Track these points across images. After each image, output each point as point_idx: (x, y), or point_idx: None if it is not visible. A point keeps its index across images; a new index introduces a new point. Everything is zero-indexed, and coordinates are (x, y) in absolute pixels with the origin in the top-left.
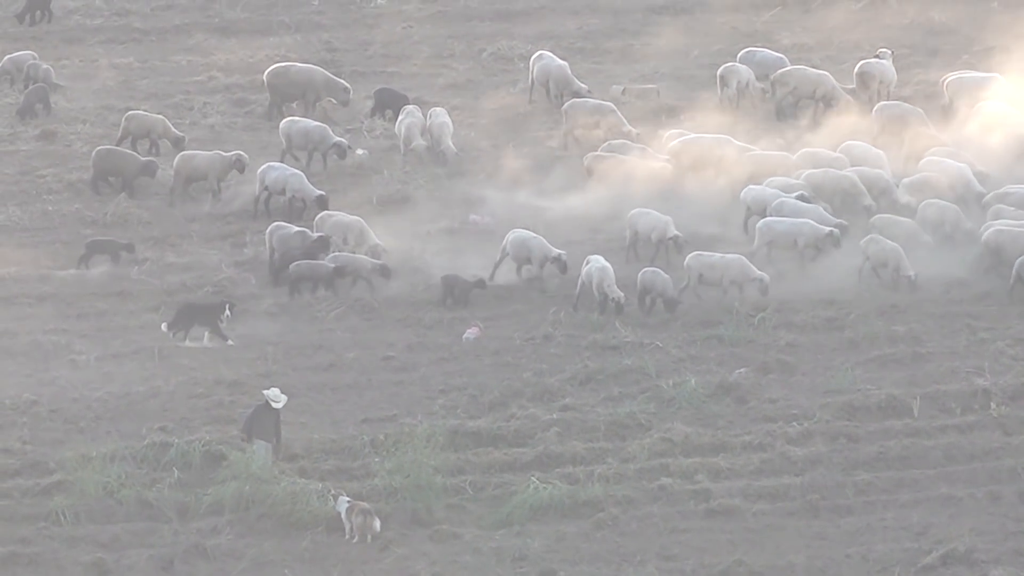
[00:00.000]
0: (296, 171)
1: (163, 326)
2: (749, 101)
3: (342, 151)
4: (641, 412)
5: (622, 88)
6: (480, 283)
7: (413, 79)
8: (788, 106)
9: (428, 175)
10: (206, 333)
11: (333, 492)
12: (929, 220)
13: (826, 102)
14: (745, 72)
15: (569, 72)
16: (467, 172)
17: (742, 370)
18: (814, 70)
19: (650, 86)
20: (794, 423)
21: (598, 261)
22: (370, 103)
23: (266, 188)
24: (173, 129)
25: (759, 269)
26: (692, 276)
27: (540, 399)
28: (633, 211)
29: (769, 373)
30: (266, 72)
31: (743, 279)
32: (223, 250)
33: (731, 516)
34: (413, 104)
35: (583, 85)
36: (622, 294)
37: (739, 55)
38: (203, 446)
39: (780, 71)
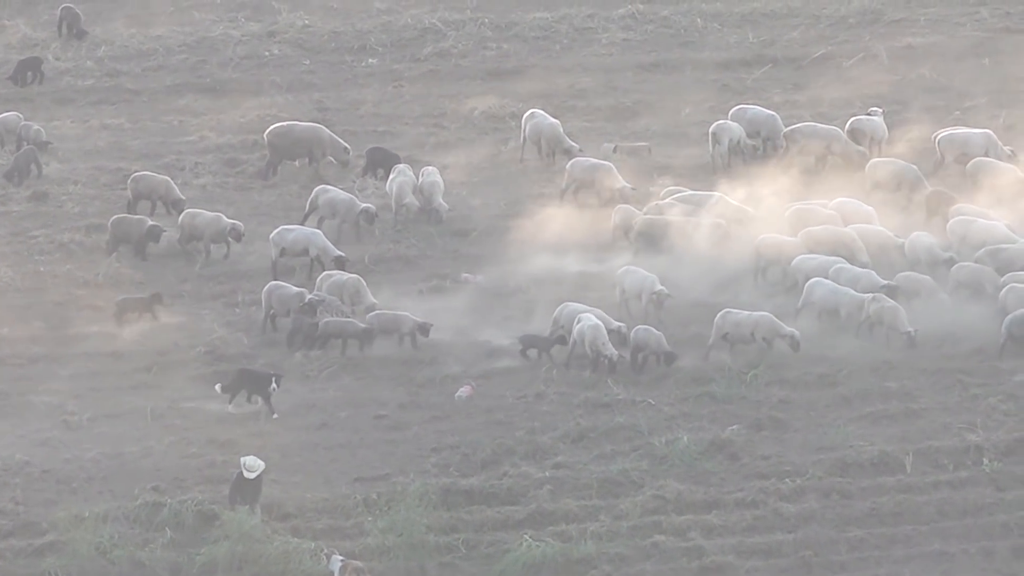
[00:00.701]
0: (315, 230)
1: (217, 387)
2: (741, 158)
3: (370, 217)
4: (634, 469)
5: (613, 146)
6: (560, 339)
7: (404, 138)
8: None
9: (420, 234)
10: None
11: (326, 551)
12: (963, 282)
13: (843, 157)
14: (737, 129)
15: (561, 130)
16: (460, 231)
17: (734, 427)
18: (824, 126)
19: (641, 144)
20: (787, 480)
21: (590, 319)
22: (362, 162)
23: (283, 250)
24: (176, 191)
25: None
26: (717, 334)
27: (532, 457)
28: (620, 269)
29: (762, 430)
30: (268, 131)
31: (773, 335)
32: (215, 310)
33: (724, 573)
34: (404, 163)
35: (574, 144)
36: (615, 352)
37: (730, 112)
38: (196, 506)
39: (791, 128)
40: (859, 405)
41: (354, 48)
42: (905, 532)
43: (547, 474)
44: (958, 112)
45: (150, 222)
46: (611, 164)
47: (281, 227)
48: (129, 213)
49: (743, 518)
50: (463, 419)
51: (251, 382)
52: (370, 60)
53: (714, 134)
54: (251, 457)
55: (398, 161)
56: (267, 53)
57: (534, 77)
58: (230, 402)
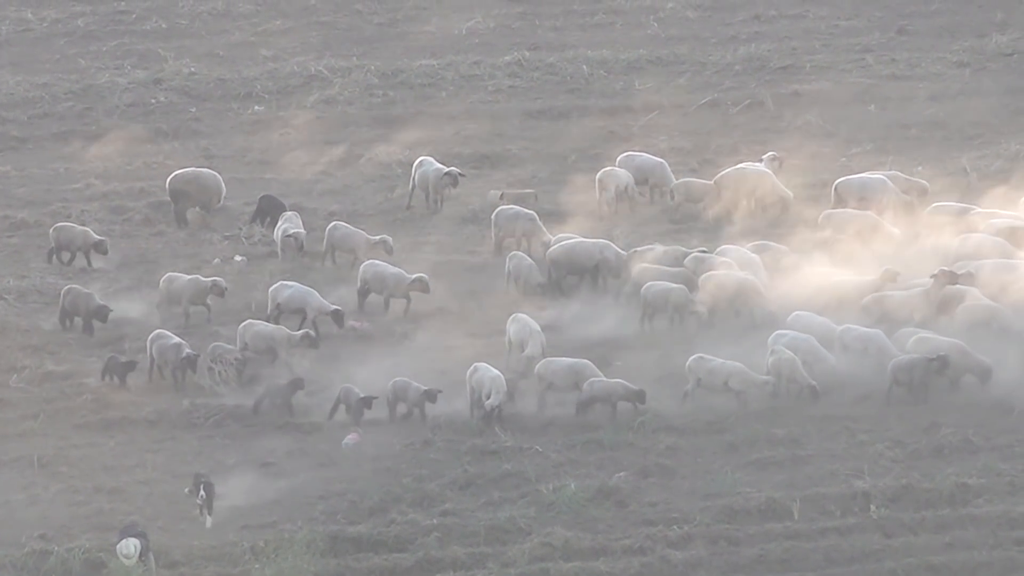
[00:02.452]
0: (309, 288)
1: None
2: (628, 205)
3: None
4: (521, 516)
5: (500, 193)
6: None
7: (291, 185)
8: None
9: (307, 281)
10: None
11: None
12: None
13: (765, 201)
14: (624, 176)
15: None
16: (348, 277)
17: (622, 474)
18: (752, 170)
19: (528, 191)
20: (674, 526)
21: (488, 371)
22: (248, 209)
23: (278, 306)
24: (93, 235)
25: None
26: (692, 379)
27: (420, 504)
28: (512, 316)
29: (649, 476)
30: (172, 178)
31: (747, 385)
32: (101, 358)
33: None
34: (292, 211)
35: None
36: (501, 401)
37: (618, 159)
38: (83, 554)
39: (720, 174)
40: (746, 452)
41: (240, 95)
42: None
43: (435, 521)
44: (844, 159)
45: (98, 302)
46: (534, 213)
47: (280, 282)
48: (49, 262)
49: (631, 565)
50: (350, 466)
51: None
52: (256, 107)
53: (601, 180)
54: (128, 543)
55: (284, 209)
56: (153, 100)
57: (420, 124)
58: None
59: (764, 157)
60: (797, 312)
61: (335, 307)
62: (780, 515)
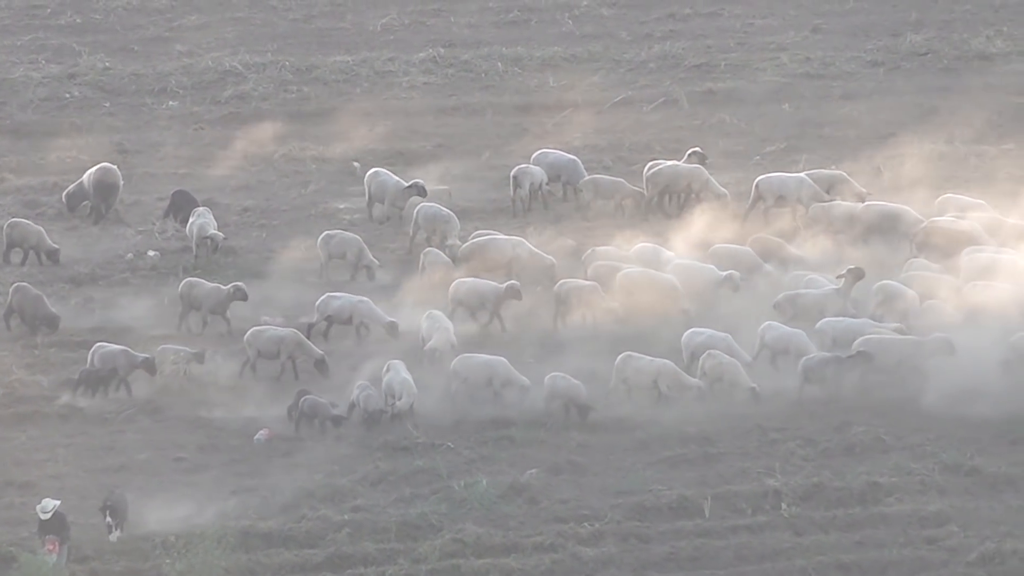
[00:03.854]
0: (363, 298)
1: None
2: (541, 202)
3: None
4: (432, 513)
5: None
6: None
7: (204, 181)
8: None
9: (218, 276)
10: None
11: None
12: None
13: (699, 197)
14: (538, 173)
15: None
16: (259, 273)
17: (533, 471)
18: (687, 165)
19: (442, 187)
20: (585, 524)
21: (399, 372)
22: (162, 205)
23: (328, 317)
24: (48, 240)
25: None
26: (618, 378)
27: (331, 500)
28: (428, 312)
29: (560, 473)
30: (98, 170)
31: (676, 386)
32: (14, 352)
33: None
34: (204, 207)
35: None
36: (411, 401)
37: (532, 156)
38: None
39: (652, 170)
40: (658, 449)
41: (155, 91)
42: None
43: (346, 517)
44: (758, 157)
45: (52, 310)
46: (451, 213)
47: (328, 294)
48: (5, 261)
49: (541, 562)
50: (262, 462)
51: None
52: (171, 103)
53: (515, 177)
54: (46, 499)
55: (197, 204)
56: (67, 95)
57: (335, 120)
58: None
59: (688, 153)
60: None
61: (391, 319)
62: (691, 513)
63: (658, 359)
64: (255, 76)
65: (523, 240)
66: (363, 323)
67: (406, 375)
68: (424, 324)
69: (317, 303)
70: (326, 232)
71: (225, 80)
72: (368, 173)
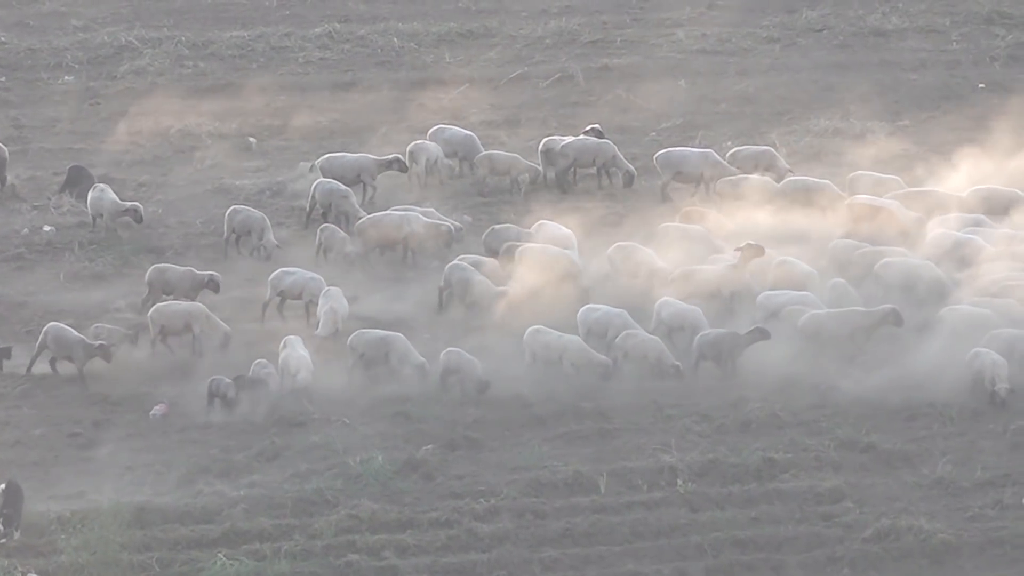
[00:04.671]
0: (316, 275)
1: None
2: (437, 178)
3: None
4: (328, 489)
5: (310, 165)
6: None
7: (101, 156)
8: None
9: (115, 252)
10: None
11: (21, 570)
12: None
13: (606, 172)
14: (434, 149)
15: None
16: (156, 248)
17: (429, 447)
18: (595, 139)
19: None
20: (481, 500)
21: (296, 348)
22: (58, 180)
23: (280, 293)
24: None
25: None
26: (528, 353)
27: (227, 475)
28: (326, 289)
29: (456, 449)
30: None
31: (583, 362)
32: None
33: None
34: (102, 182)
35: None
36: (309, 377)
37: (429, 132)
38: None
39: (562, 144)
40: (554, 425)
41: (50, 65)
42: (599, 552)
43: (241, 493)
44: (654, 133)
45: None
46: (349, 190)
47: (281, 269)
48: None
49: (437, 538)
50: (158, 437)
51: None
52: (66, 78)
53: (412, 153)
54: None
55: (93, 179)
56: None
57: (231, 95)
58: None
59: (586, 129)
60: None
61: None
62: (587, 489)
63: (566, 335)
64: (151, 51)
65: (418, 215)
66: (312, 300)
67: (303, 351)
68: (324, 296)
69: (271, 278)
70: (233, 207)
71: (121, 55)
72: (314, 184)
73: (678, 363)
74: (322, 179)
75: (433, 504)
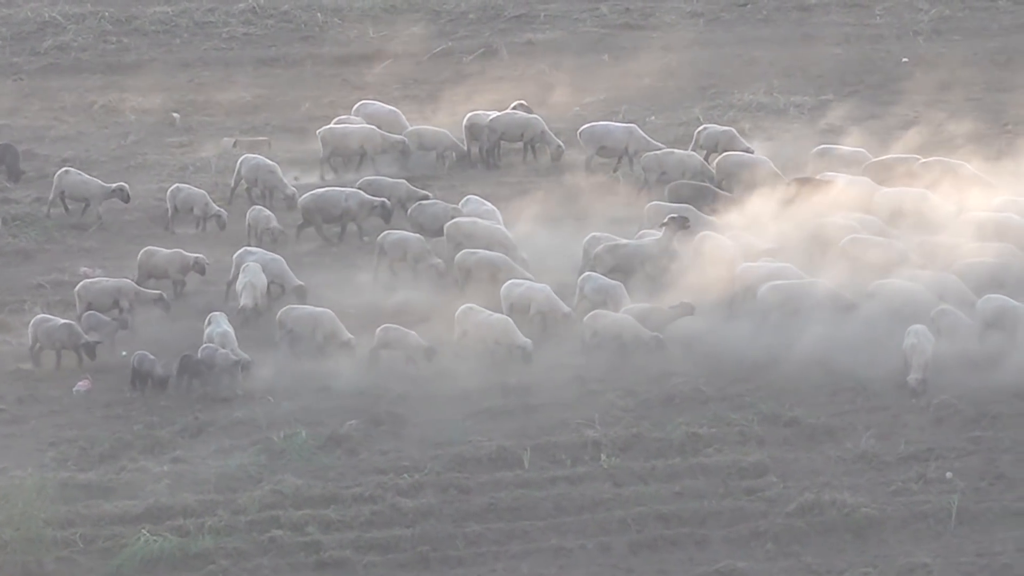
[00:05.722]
0: (277, 256)
1: None
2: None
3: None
4: (252, 464)
5: (233, 141)
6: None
7: (24, 131)
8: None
9: (38, 227)
10: None
11: None
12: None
13: (534, 147)
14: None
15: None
16: (79, 225)
17: (353, 422)
18: (523, 114)
19: (261, 138)
20: (405, 475)
21: (220, 324)
22: None
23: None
24: None
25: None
26: (459, 330)
27: (151, 451)
28: (245, 265)
29: (380, 425)
30: None
31: (509, 341)
32: None
33: (342, 568)
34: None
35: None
36: (245, 356)
37: (353, 108)
38: None
39: (490, 119)
40: (477, 400)
41: None
42: (523, 527)
43: (165, 468)
44: (578, 108)
45: None
46: (275, 164)
47: (244, 248)
48: None
49: (361, 513)
50: (81, 413)
51: None
52: None
53: None
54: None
55: (17, 155)
56: None
57: (154, 71)
58: None
59: (512, 105)
60: None
61: (300, 283)
62: (511, 464)
63: (496, 314)
64: (74, 27)
65: (358, 191)
66: (274, 281)
67: (227, 327)
68: (240, 277)
69: (235, 257)
70: (175, 185)
71: (44, 31)
72: (240, 159)
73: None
74: (248, 154)
75: (357, 479)
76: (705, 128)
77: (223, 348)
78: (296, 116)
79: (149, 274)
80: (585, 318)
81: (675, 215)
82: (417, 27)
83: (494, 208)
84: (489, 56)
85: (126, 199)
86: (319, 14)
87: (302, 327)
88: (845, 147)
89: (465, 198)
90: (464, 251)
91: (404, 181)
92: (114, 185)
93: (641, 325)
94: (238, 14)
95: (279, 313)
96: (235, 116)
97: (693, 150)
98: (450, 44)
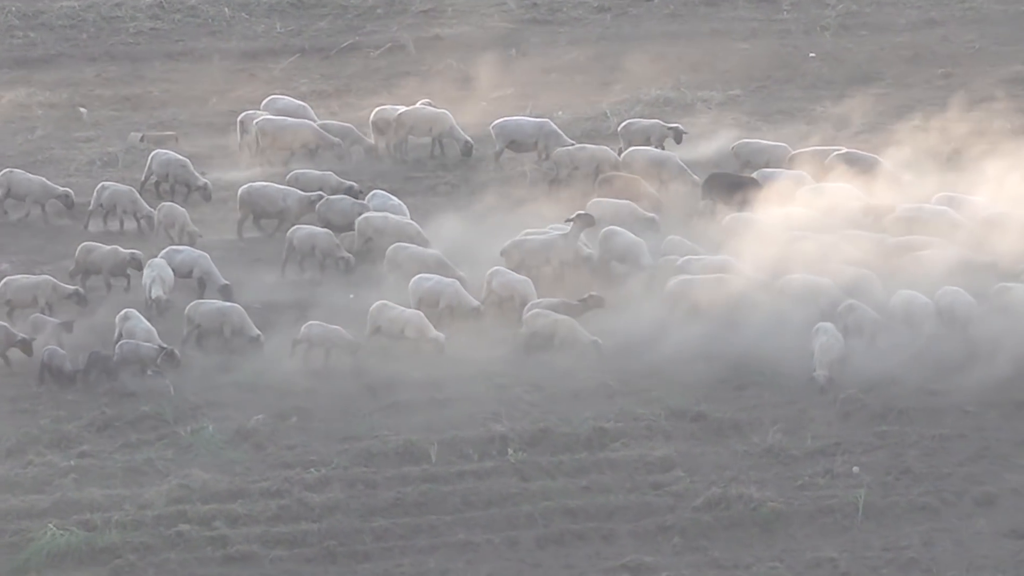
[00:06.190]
0: (203, 253)
1: None
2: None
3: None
4: (159, 458)
5: (140, 135)
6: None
7: None
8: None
9: None
10: None
11: None
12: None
13: (442, 142)
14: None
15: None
16: None
17: (260, 416)
18: (433, 109)
19: (168, 133)
20: (312, 469)
21: (140, 321)
22: None
23: (172, 270)
24: None
25: None
26: (371, 326)
27: (57, 446)
28: (151, 261)
29: (287, 419)
30: None
31: (421, 336)
32: None
33: (248, 562)
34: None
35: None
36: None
37: (262, 103)
38: None
39: (399, 113)
40: (385, 395)
41: None
42: (430, 522)
43: (72, 463)
44: (484, 103)
45: None
46: (187, 159)
47: (171, 247)
48: None
49: (268, 507)
50: None
51: None
52: None
53: (242, 123)
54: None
55: None
56: None
57: (61, 66)
58: None
59: (419, 104)
60: None
61: (225, 282)
62: (418, 458)
63: (409, 310)
64: None
65: (295, 190)
66: (203, 277)
67: (147, 323)
68: (146, 272)
69: (161, 255)
70: (101, 183)
71: None
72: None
73: (596, 339)
74: (159, 150)
75: (264, 474)
76: (633, 122)
77: (146, 343)
78: (203, 111)
79: (86, 270)
80: (524, 317)
81: (582, 212)
82: (324, 22)
83: (401, 203)
84: (396, 51)
85: (69, 206)
86: (226, 9)
87: (210, 322)
88: (766, 141)
89: (371, 193)
90: (396, 245)
91: (331, 173)
92: (60, 189)
93: (581, 328)
94: (145, 9)
95: (187, 308)
96: (143, 111)
97: (621, 144)
98: (357, 39)
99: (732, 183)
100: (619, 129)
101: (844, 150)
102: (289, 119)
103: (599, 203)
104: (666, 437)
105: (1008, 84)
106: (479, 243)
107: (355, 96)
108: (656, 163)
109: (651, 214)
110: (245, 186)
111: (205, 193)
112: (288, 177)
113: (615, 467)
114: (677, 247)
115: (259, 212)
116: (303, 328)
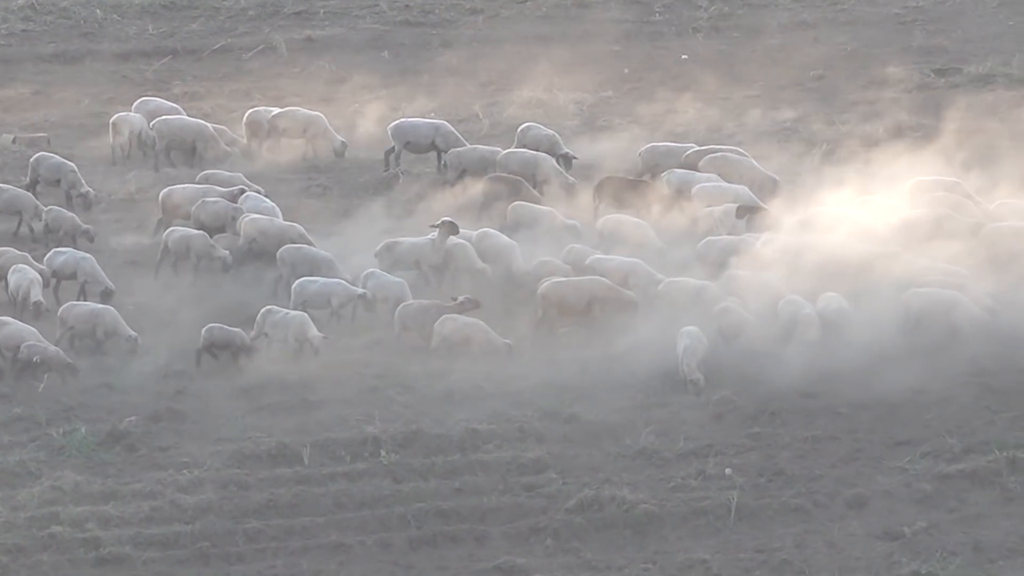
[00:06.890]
0: (87, 255)
1: None
2: (141, 150)
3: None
4: (31, 460)
5: (12, 137)
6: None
7: None
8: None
9: None
10: None
11: None
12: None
13: (313, 145)
14: (138, 120)
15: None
16: None
17: (132, 418)
18: (305, 111)
19: (40, 135)
20: (184, 471)
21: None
22: None
23: (54, 273)
24: None
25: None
26: (257, 330)
27: None
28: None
29: (160, 421)
30: None
31: (302, 338)
32: None
33: (122, 564)
34: None
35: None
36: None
37: (135, 104)
38: None
39: (275, 113)
40: (257, 396)
41: None
42: (303, 524)
43: None
44: (356, 104)
45: None
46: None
47: (54, 250)
48: None
49: (141, 509)
50: None
51: None
52: None
53: (115, 125)
54: None
55: None
56: None
57: None
58: None
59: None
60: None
61: (110, 285)
62: (290, 460)
63: (293, 312)
64: None
65: (213, 187)
66: (87, 280)
67: (22, 324)
68: (12, 278)
69: (46, 259)
70: (40, 153)
71: None
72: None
73: (509, 341)
74: (44, 152)
75: (136, 476)
76: (531, 126)
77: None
78: (76, 112)
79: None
80: (436, 323)
81: (447, 219)
82: (196, 23)
83: (274, 205)
84: (268, 52)
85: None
86: (98, 10)
87: (83, 324)
88: (673, 143)
89: (244, 194)
90: (287, 247)
91: (240, 174)
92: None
93: (492, 331)
94: (16, 10)
95: (59, 310)
96: (14, 112)
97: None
98: (229, 40)
99: (625, 185)
100: (639, 153)
101: (727, 150)
102: (186, 118)
103: (520, 207)
104: (539, 439)
105: (879, 86)
106: (353, 245)
107: (227, 98)
108: (531, 164)
109: (572, 221)
110: (164, 190)
111: (86, 200)
112: (198, 177)
113: (488, 469)
114: (579, 256)
115: (180, 213)
116: (204, 331)
